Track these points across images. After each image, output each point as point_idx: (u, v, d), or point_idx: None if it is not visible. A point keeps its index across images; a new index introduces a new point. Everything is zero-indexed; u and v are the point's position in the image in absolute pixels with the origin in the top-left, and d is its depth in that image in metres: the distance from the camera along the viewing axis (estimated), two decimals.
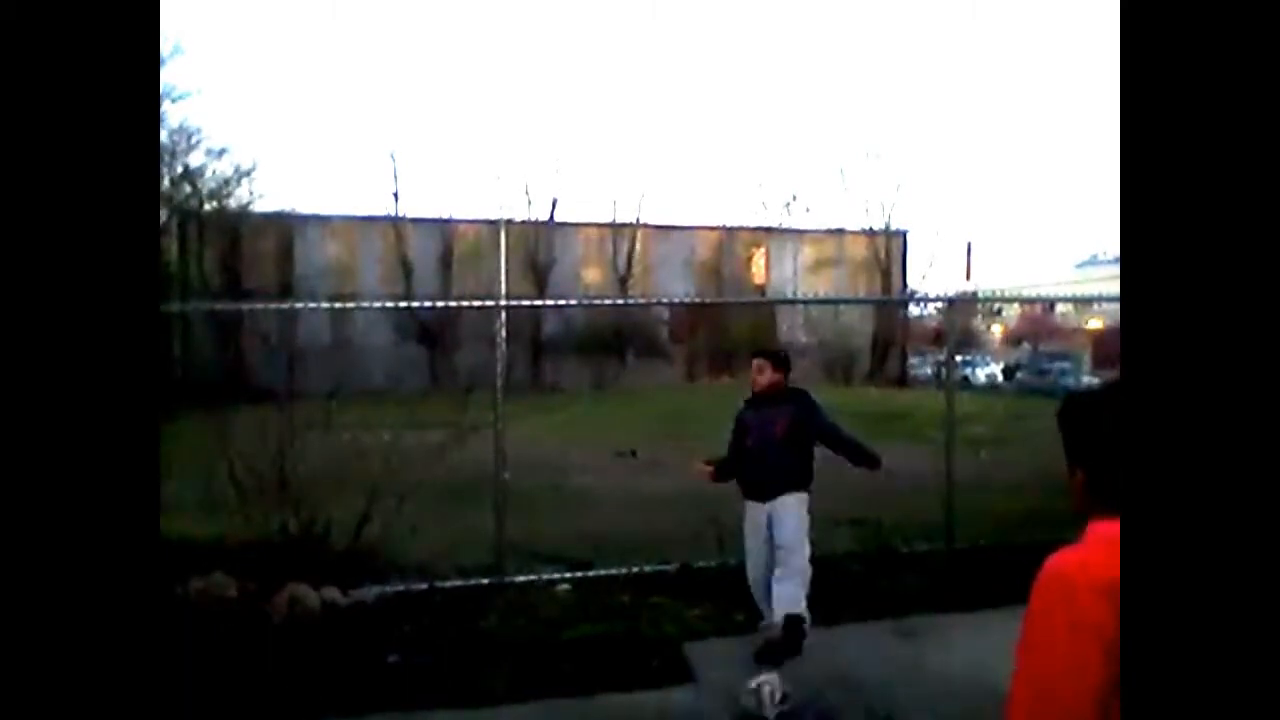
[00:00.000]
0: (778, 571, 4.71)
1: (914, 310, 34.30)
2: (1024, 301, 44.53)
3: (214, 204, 29.56)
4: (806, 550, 4.74)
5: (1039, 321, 45.75)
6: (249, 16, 52.90)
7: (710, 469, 5.11)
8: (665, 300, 33.52)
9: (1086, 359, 31.78)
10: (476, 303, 7.17)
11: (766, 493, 4.80)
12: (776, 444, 4.84)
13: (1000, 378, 33.96)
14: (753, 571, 4.90)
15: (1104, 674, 1.22)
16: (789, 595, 4.65)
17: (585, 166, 53.80)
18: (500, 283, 8.03)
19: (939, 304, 9.73)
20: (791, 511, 4.78)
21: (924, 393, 22.14)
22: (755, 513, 4.88)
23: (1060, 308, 41.96)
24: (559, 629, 5.07)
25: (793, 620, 4.60)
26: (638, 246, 34.30)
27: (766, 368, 5.02)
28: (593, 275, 34.78)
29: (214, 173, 29.33)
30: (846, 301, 38.91)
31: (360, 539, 5.53)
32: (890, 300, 37.83)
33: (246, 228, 29.86)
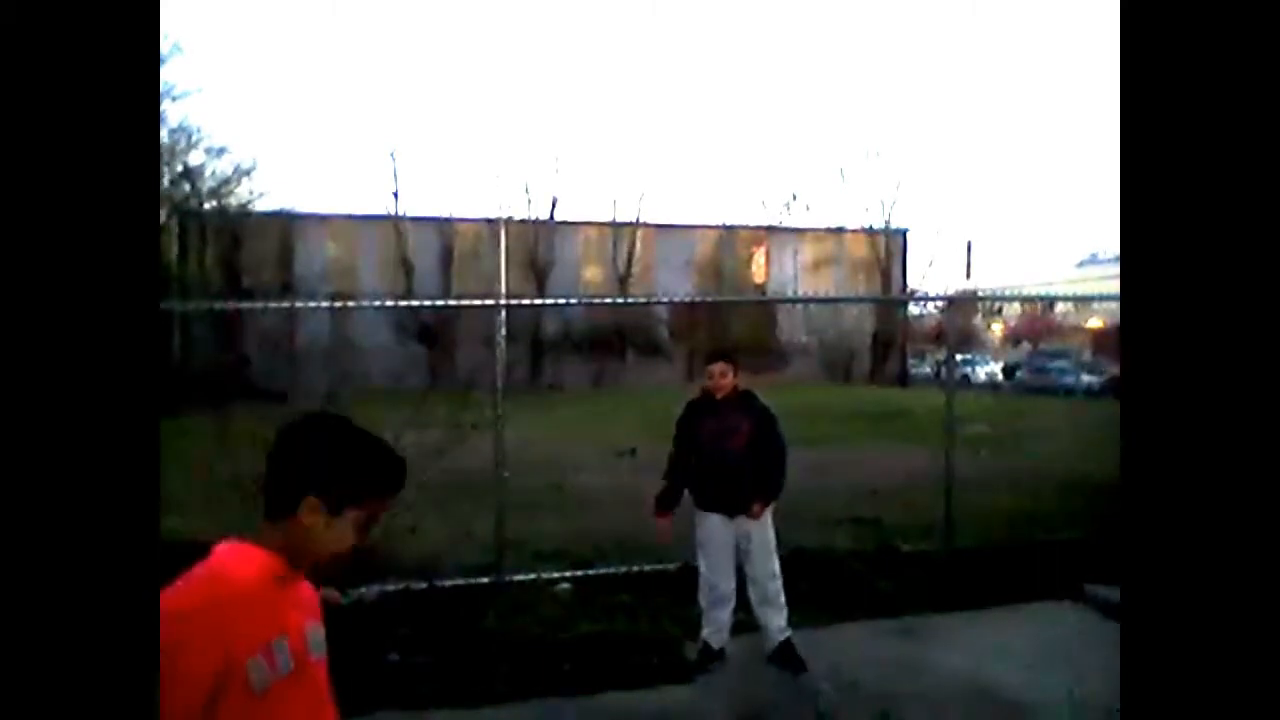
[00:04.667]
0: (760, 589, 4.69)
1: (914, 309, 34.39)
2: (1024, 300, 44.50)
3: (214, 203, 29.54)
4: (776, 561, 4.72)
5: (1039, 320, 45.78)
6: (249, 16, 52.96)
7: (664, 517, 4.77)
8: (665, 299, 33.51)
9: (1086, 357, 31.78)
10: (476, 302, 7.16)
11: (733, 506, 4.62)
12: (738, 454, 4.60)
13: (1000, 377, 33.97)
14: (718, 586, 4.67)
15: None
16: (779, 622, 4.72)
17: (585, 166, 53.91)
18: (500, 282, 8.02)
19: (939, 303, 9.73)
20: (766, 527, 4.69)
21: (924, 391, 22.15)
22: (715, 524, 4.66)
23: (1060, 307, 41.97)
24: (559, 628, 5.07)
25: (786, 646, 4.69)
26: (638, 245, 34.31)
27: (730, 371, 4.75)
28: (593, 274, 34.80)
29: (214, 171, 29.34)
30: (846, 301, 38.93)
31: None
32: (890, 299, 37.87)
33: (246, 227, 29.85)
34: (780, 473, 4.68)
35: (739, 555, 4.70)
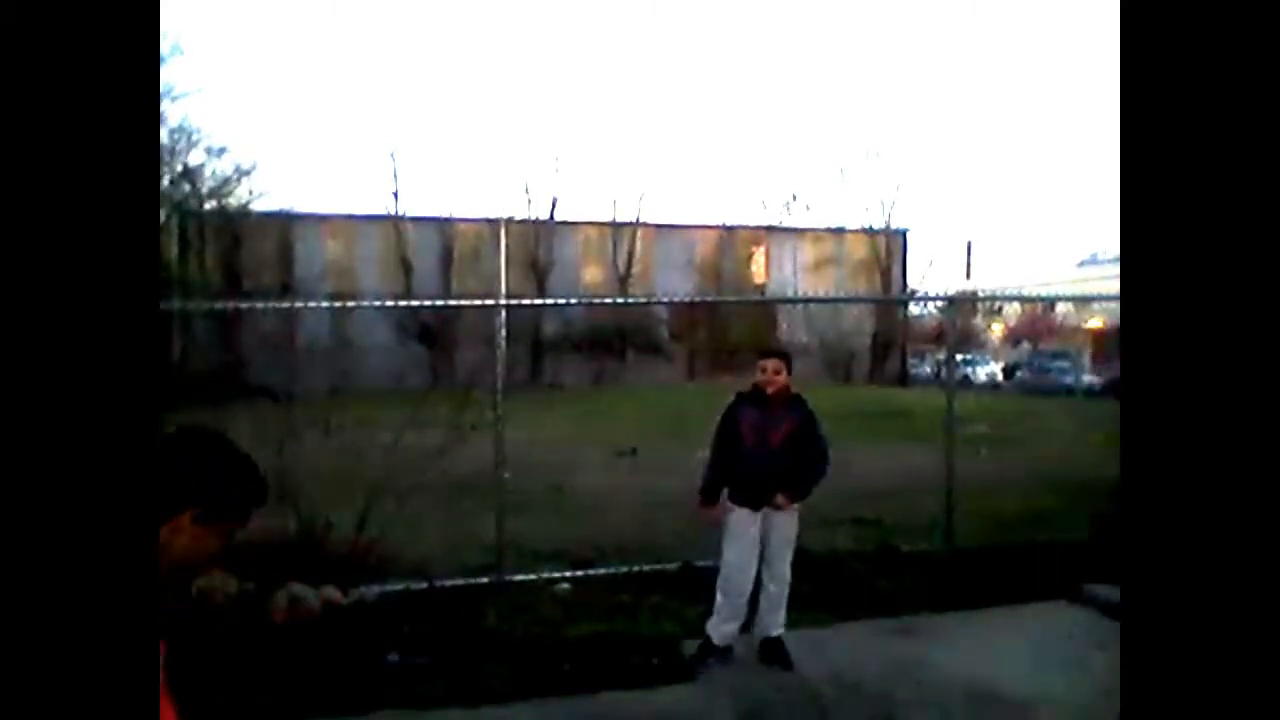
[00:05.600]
0: (771, 586, 4.73)
1: (914, 309, 34.38)
2: (1024, 301, 44.45)
3: (214, 203, 29.54)
4: (790, 556, 4.77)
5: (1039, 320, 45.77)
6: (249, 16, 52.97)
7: (711, 508, 4.81)
8: (665, 299, 33.51)
9: (1086, 358, 31.79)
10: (476, 302, 7.18)
11: (761, 500, 4.67)
12: (774, 450, 4.67)
13: (1000, 377, 33.99)
14: (736, 579, 4.68)
15: None
16: (777, 617, 4.76)
17: (585, 166, 53.92)
18: (500, 282, 8.04)
19: (939, 303, 9.73)
20: (790, 521, 4.75)
21: (924, 392, 22.15)
22: (746, 519, 4.69)
23: (1060, 307, 41.94)
24: (559, 628, 5.07)
25: (777, 643, 4.72)
26: (638, 245, 34.31)
27: (783, 369, 4.80)
28: (593, 274, 34.79)
29: (214, 171, 29.37)
30: (846, 301, 38.93)
31: (360, 538, 5.53)
32: (890, 299, 37.90)
33: (246, 227, 29.84)
34: (818, 473, 4.76)
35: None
